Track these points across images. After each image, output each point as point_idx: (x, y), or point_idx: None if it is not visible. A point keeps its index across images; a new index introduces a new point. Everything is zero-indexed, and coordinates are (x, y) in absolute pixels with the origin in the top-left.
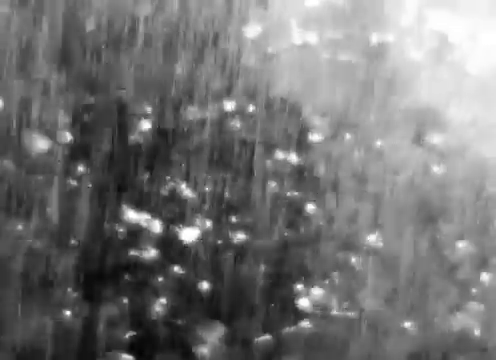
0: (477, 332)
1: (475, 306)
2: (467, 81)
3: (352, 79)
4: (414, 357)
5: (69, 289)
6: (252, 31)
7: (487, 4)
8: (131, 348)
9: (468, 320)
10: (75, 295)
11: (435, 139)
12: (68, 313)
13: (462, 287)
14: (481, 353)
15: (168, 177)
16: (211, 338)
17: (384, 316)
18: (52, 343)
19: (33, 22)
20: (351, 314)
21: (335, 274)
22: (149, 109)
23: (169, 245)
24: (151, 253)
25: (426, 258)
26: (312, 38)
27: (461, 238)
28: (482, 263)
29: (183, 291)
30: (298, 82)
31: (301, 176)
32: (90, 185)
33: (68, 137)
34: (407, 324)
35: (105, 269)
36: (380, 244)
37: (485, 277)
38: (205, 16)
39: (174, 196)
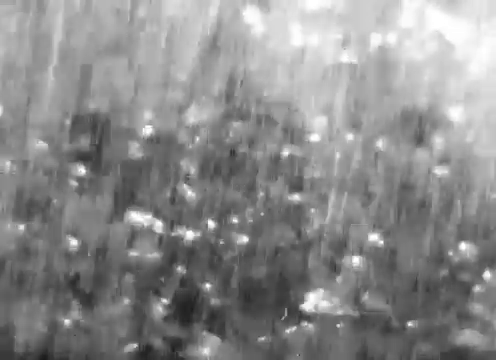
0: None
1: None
2: (468, 83)
3: (353, 80)
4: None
5: (70, 290)
6: (253, 32)
7: (488, 5)
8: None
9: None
10: (76, 296)
11: (436, 141)
12: (69, 314)
13: (465, 289)
14: None
15: (170, 178)
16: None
17: (385, 317)
18: (52, 345)
19: (32, 23)
20: (353, 315)
21: (337, 275)
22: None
23: (171, 246)
24: (153, 254)
25: (428, 259)
26: (313, 39)
27: (464, 239)
28: (485, 264)
29: (185, 292)
30: (298, 83)
31: (302, 177)
32: (92, 186)
33: (69, 139)
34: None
35: (107, 270)
36: (381, 245)
37: (488, 278)
38: (206, 17)
39: (177, 197)
